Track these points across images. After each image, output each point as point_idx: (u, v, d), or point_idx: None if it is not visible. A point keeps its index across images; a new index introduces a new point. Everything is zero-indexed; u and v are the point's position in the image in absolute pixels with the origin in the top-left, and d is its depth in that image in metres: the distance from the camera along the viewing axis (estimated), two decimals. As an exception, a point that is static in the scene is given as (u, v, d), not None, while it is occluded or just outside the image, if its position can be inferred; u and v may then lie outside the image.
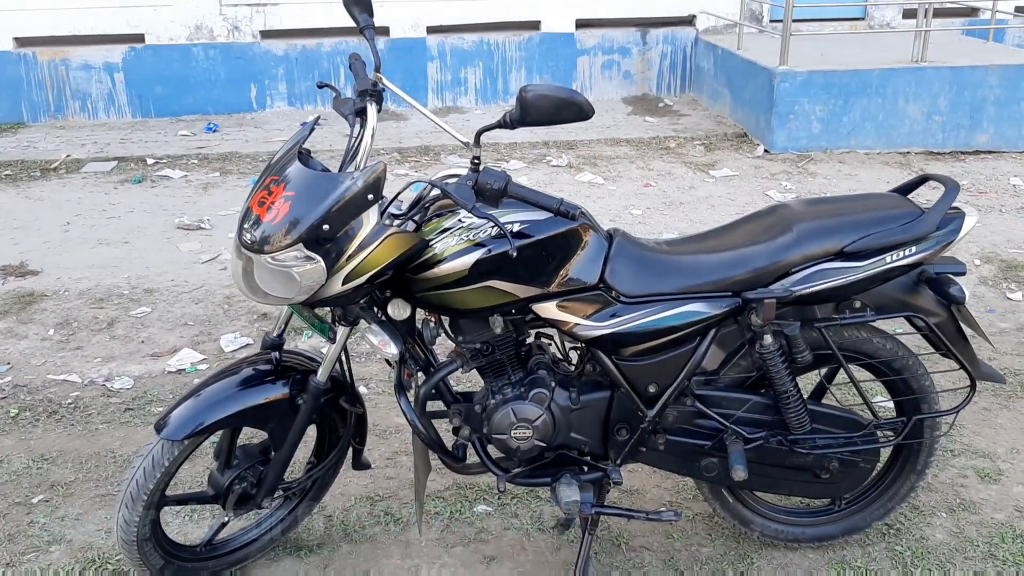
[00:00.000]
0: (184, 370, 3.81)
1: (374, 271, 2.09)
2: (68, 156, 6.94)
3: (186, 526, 2.77)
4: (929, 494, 2.92)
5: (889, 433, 2.51)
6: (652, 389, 2.36)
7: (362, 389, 3.61)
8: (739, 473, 2.32)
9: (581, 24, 8.48)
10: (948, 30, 8.27)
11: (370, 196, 2.05)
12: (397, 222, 2.15)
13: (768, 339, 2.30)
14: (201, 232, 5.43)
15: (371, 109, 2.31)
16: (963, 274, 2.39)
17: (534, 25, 8.42)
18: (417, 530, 2.66)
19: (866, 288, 2.30)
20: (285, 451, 2.39)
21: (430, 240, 2.17)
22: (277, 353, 2.39)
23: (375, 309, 2.27)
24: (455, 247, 2.16)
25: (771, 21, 8.47)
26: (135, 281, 4.72)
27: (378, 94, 2.37)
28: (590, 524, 2.49)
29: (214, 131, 7.69)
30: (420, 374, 2.41)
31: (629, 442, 2.41)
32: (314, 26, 8.04)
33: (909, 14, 8.50)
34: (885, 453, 2.64)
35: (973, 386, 2.44)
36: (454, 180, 2.14)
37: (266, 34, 8.13)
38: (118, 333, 4.17)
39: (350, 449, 2.62)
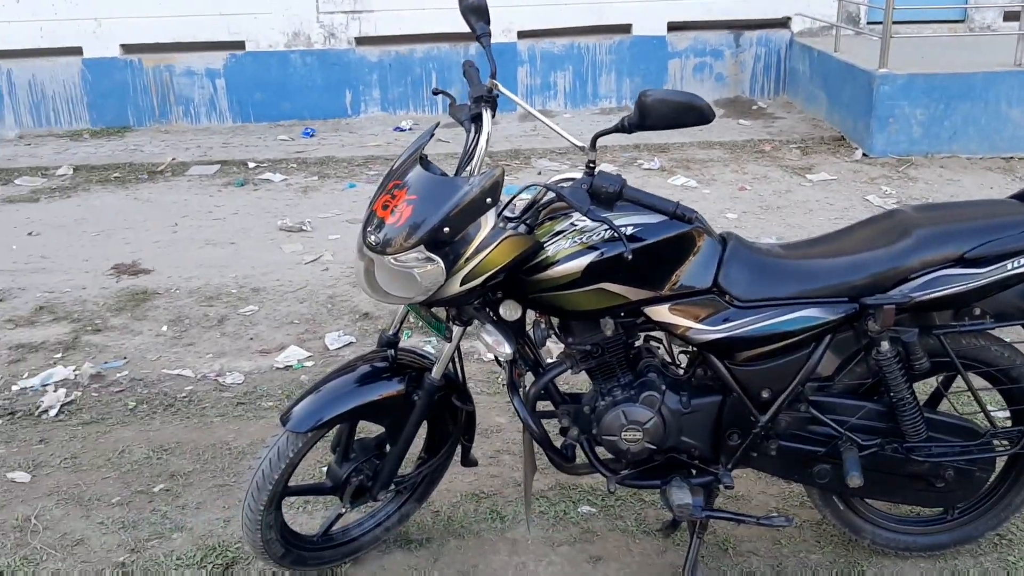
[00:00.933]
0: (291, 366, 3.93)
1: (491, 272, 2.14)
2: (174, 159, 7.21)
3: (299, 517, 2.86)
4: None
5: (1006, 443, 2.45)
6: (765, 394, 2.35)
7: (465, 388, 3.67)
8: (855, 480, 2.30)
9: (673, 27, 8.45)
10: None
11: (488, 200, 2.10)
12: (511, 225, 2.20)
13: (886, 345, 2.28)
14: (303, 234, 5.59)
15: (486, 115, 2.38)
16: (1091, 280, 2.33)
17: (625, 28, 8.43)
18: (526, 528, 2.70)
19: (986, 295, 2.26)
20: (400, 446, 2.45)
21: (544, 242, 2.21)
22: (392, 351, 2.46)
23: (487, 310, 2.33)
24: (568, 249, 2.19)
25: (868, 23, 8.30)
26: (242, 280, 4.89)
27: (493, 100, 2.43)
28: (699, 527, 2.50)
29: (311, 136, 7.89)
30: (529, 374, 2.46)
31: (741, 447, 2.41)
32: (407, 32, 8.19)
33: (1011, 16, 8.24)
34: (1000, 463, 2.59)
35: (1098, 397, 2.37)
36: (568, 184, 2.19)
37: (361, 40, 8.31)
38: (228, 330, 4.33)
39: (459, 446, 2.67)
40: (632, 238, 2.18)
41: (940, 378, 2.54)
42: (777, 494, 2.94)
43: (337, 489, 2.49)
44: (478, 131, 2.39)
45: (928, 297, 2.21)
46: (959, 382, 2.44)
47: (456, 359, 2.50)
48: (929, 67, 6.82)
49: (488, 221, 2.12)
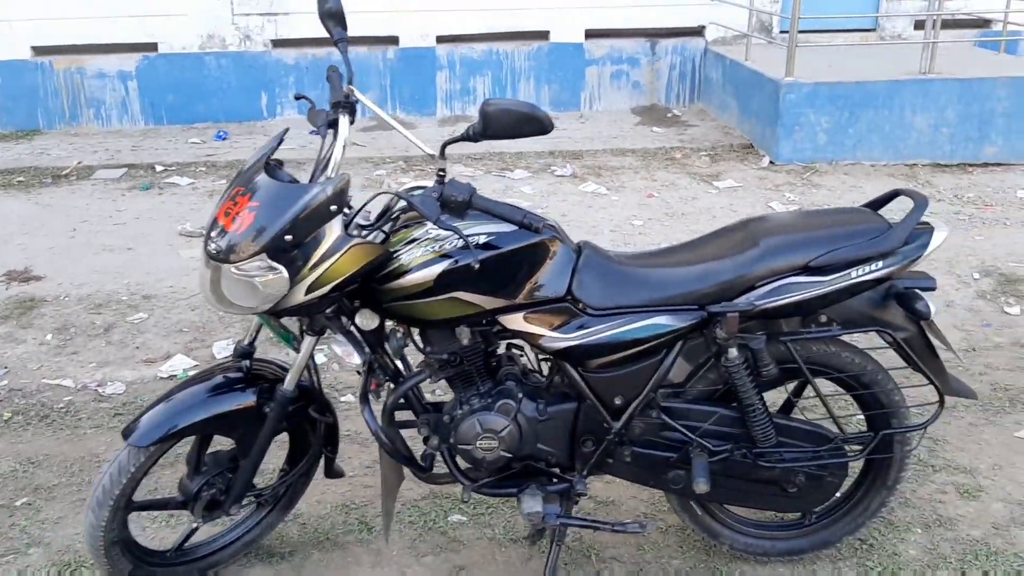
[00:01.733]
0: (176, 376, 3.85)
1: (337, 281, 2.12)
2: (79, 163, 7.04)
3: (162, 531, 2.80)
4: (906, 510, 2.90)
5: (857, 447, 2.50)
6: (618, 401, 2.37)
7: (348, 397, 3.63)
8: (701, 485, 2.32)
9: (590, 34, 8.49)
10: (960, 41, 8.23)
11: (333, 207, 2.08)
12: (364, 232, 2.17)
13: (733, 352, 2.30)
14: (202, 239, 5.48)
15: (343, 121, 2.35)
16: (933, 289, 2.38)
17: (543, 35, 8.45)
18: (384, 540, 2.66)
19: (832, 302, 2.30)
20: (252, 459, 2.41)
21: (396, 251, 2.20)
22: (248, 361, 2.42)
23: (343, 319, 2.30)
24: (421, 258, 2.18)
25: (781, 32, 8.45)
26: (135, 287, 4.78)
27: (351, 106, 2.40)
28: (557, 535, 2.50)
29: (224, 139, 7.77)
30: (391, 384, 2.43)
31: (595, 454, 2.42)
32: (324, 36, 8.08)
33: (921, 25, 8.45)
34: (856, 469, 2.64)
35: (942, 401, 2.42)
36: (420, 192, 2.17)
37: (277, 43, 8.21)
38: (114, 339, 4.23)
39: (322, 458, 2.64)
40: (484, 246, 2.18)
41: (793, 385, 2.58)
42: (647, 499, 2.96)
43: (188, 503, 2.44)
44: (335, 137, 2.36)
45: (772, 305, 2.24)
46: (813, 389, 2.48)
47: (312, 369, 2.46)
48: (835, 76, 6.96)
49: (334, 229, 2.10)
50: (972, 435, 3.35)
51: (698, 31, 8.60)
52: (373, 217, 2.25)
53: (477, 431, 2.34)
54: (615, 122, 8.30)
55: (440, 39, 8.34)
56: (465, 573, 2.66)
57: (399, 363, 2.43)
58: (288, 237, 2.05)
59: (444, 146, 2.14)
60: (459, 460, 2.44)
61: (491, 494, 2.49)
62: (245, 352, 2.43)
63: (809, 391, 2.54)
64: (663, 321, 2.28)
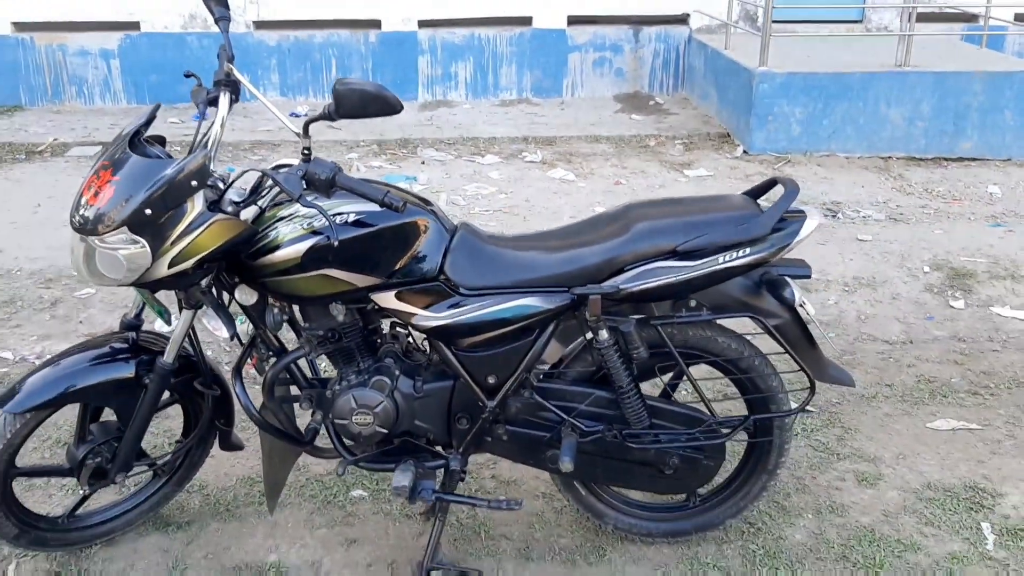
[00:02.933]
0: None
1: (200, 256, 2.15)
2: (55, 140, 7.12)
3: (68, 499, 2.86)
4: (802, 495, 2.93)
5: (727, 431, 2.50)
6: (492, 380, 2.40)
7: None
8: (566, 464, 2.36)
9: (573, 20, 8.49)
10: (944, 35, 8.18)
11: (194, 183, 2.11)
12: (231, 208, 2.21)
13: (604, 334, 2.33)
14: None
15: (223, 99, 2.38)
16: (807, 277, 2.40)
17: (526, 21, 8.45)
18: (269, 511, 2.70)
19: (701, 288, 2.32)
20: (134, 430, 2.46)
21: (265, 227, 2.23)
22: (133, 333, 2.46)
23: (217, 293, 2.34)
24: (290, 234, 2.22)
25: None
26: (87, 263, 4.83)
27: (232, 84, 2.43)
28: (439, 511, 2.55)
29: (202, 119, 7.79)
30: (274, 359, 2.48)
31: (471, 432, 2.45)
32: (306, 18, 8.15)
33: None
34: (739, 453, 2.66)
35: (812, 388, 2.44)
36: (286, 170, 2.21)
37: (259, 24, 8.25)
38: (59, 312, 4.29)
39: (218, 430, 2.69)
40: (357, 224, 2.22)
41: (675, 369, 2.60)
42: (547, 479, 2.99)
43: (74, 471, 2.49)
44: (216, 116, 2.39)
45: (638, 288, 2.26)
46: (713, 374, 2.50)
47: (194, 342, 2.51)
48: (810, 66, 6.93)
49: (195, 204, 2.14)
50: (885, 425, 3.36)
51: (682, 19, 8.58)
52: (248, 194, 2.29)
53: (352, 406, 2.38)
54: (595, 109, 8.29)
55: (422, 23, 8.36)
56: (356, 546, 2.70)
57: (276, 338, 2.46)
58: (148, 211, 2.09)
59: (307, 125, 2.18)
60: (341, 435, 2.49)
61: (370, 468, 2.53)
62: (131, 324, 2.47)
63: (708, 375, 2.55)
64: (532, 302, 2.31)
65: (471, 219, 5.51)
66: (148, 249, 2.12)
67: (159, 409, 2.59)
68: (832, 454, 3.16)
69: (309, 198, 2.18)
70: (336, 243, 2.15)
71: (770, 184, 2.44)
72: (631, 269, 2.28)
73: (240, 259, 2.27)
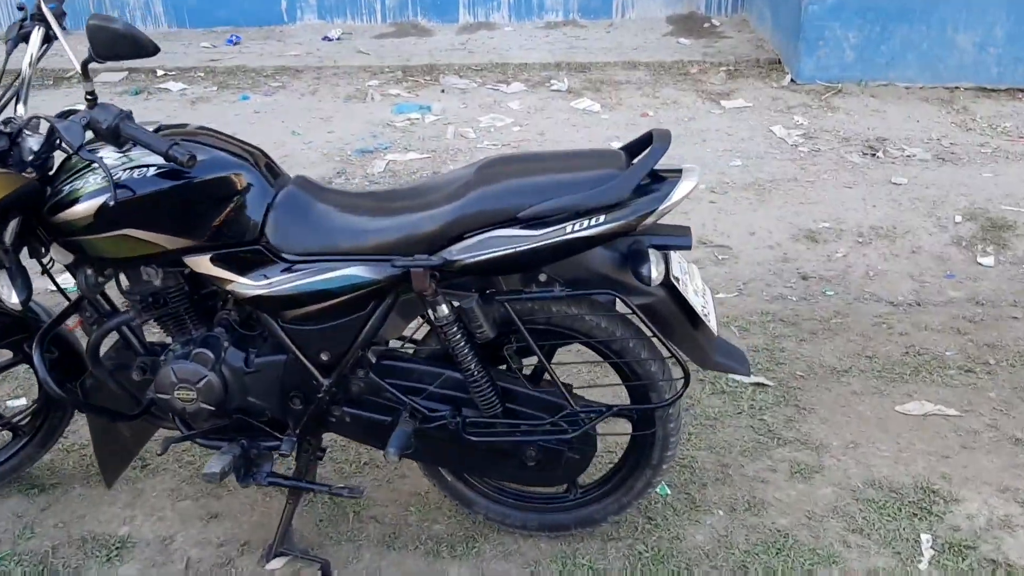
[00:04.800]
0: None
1: (-25, 214, 1.95)
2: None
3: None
4: (720, 487, 2.59)
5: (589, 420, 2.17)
6: (325, 357, 2.14)
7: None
8: (391, 454, 2.09)
9: (625, -66, 7.90)
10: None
11: (-44, 131, 1.89)
12: (31, 158, 2.00)
13: (442, 310, 2.04)
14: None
15: (35, 35, 2.14)
16: (686, 248, 2.03)
17: (574, -65, 7.91)
18: (106, 485, 2.54)
19: (551, 260, 1.98)
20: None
21: (64, 180, 2.01)
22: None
23: (13, 252, 2.13)
24: (85, 189, 1.99)
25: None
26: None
27: (44, 19, 2.18)
28: (290, 494, 2.34)
29: (235, 43, 7.65)
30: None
31: (305, 412, 2.21)
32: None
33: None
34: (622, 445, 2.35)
35: (686, 378, 2.09)
36: (70, 118, 1.97)
37: (297, -56, 7.98)
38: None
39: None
40: (166, 175, 1.97)
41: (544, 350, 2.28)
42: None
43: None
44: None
45: (471, 260, 1.95)
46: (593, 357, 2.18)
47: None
48: (870, -15, 6.24)
49: (-41, 155, 1.92)
50: (848, 405, 2.96)
51: (745, -68, 7.88)
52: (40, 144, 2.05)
53: (172, 380, 2.16)
54: (643, 31, 7.75)
55: (464, -60, 7.93)
56: (215, 522, 2.52)
57: (105, 300, 2.25)
58: (-94, 162, 1.89)
59: (84, 65, 1.93)
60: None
61: (204, 445, 2.32)
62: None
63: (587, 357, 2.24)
64: (357, 272, 2.02)
65: (475, 154, 5.20)
66: None
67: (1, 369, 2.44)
68: (773, 438, 2.79)
69: (96, 150, 1.95)
70: (112, 203, 1.90)
71: (647, 138, 2.06)
72: (469, 237, 1.96)
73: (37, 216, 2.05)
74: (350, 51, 7.33)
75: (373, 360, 2.16)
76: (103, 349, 2.27)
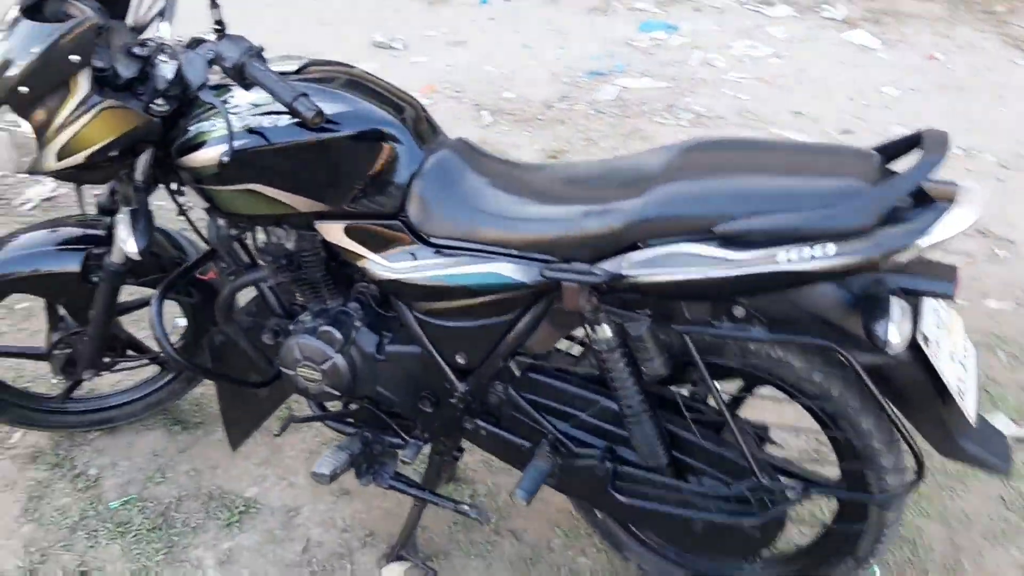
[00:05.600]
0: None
1: (91, 150, 1.70)
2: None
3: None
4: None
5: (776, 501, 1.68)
6: (461, 360, 1.78)
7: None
8: (519, 497, 1.71)
9: None
10: None
11: (73, 58, 1.63)
12: (164, 88, 1.73)
13: (604, 332, 1.61)
14: (390, 52, 5.21)
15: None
16: (947, 296, 1.47)
17: None
18: (231, 446, 2.30)
19: (753, 291, 1.49)
20: (92, 328, 2.15)
21: (191, 118, 1.73)
22: (110, 219, 2.11)
23: (143, 195, 1.90)
24: (212, 133, 1.70)
25: None
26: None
27: None
28: (415, 501, 2.04)
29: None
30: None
31: (435, 418, 1.87)
32: None
33: None
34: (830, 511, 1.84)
35: (920, 469, 1.55)
36: (199, 48, 1.67)
37: None
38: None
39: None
40: (292, 130, 1.65)
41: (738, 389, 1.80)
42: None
43: (47, 358, 2.27)
44: None
45: (644, 280, 1.49)
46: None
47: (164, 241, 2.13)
48: None
49: (78, 86, 1.67)
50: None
51: None
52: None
53: (296, 356, 1.88)
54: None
55: None
56: (344, 501, 2.29)
57: (245, 252, 1.99)
58: (23, 89, 1.66)
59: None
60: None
61: (335, 429, 2.06)
62: (108, 209, 2.12)
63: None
64: (502, 271, 1.62)
65: (720, 88, 4.60)
66: (32, 135, 1.70)
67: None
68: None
69: (226, 89, 1.67)
70: (226, 158, 1.60)
71: (914, 140, 1.48)
72: (647, 248, 1.50)
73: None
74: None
75: (516, 372, 1.77)
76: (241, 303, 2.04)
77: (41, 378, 2.57)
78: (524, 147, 4.05)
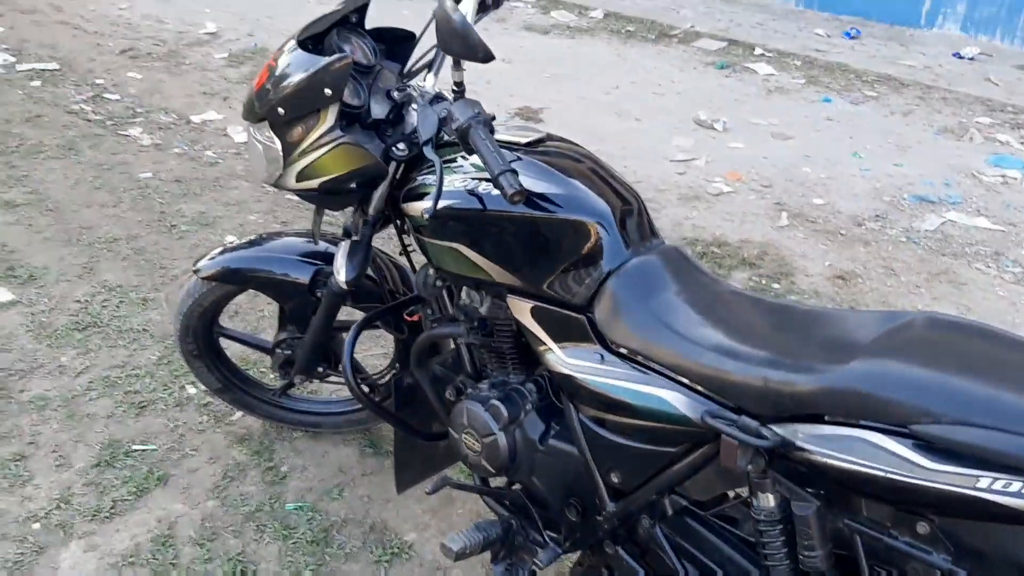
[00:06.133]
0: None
1: (323, 179, 1.81)
2: (691, 27, 6.99)
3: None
4: None
5: None
6: (615, 479, 1.65)
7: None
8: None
9: None
10: None
11: (327, 92, 1.72)
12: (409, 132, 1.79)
13: (766, 500, 1.41)
14: (709, 132, 5.10)
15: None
16: None
17: None
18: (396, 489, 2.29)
19: (944, 512, 1.24)
20: (309, 338, 2.25)
21: (422, 169, 1.78)
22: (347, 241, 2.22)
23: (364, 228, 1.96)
24: (432, 186, 1.73)
25: None
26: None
27: None
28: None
29: (851, 38, 6.96)
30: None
31: (576, 528, 1.74)
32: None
33: None
34: None
35: None
36: (441, 103, 1.71)
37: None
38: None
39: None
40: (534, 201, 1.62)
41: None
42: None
43: (270, 353, 2.41)
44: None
45: (817, 459, 1.29)
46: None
47: (389, 276, 2.19)
48: None
49: (326, 118, 1.75)
50: None
51: None
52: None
53: (463, 421, 1.84)
54: None
55: None
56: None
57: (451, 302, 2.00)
58: (281, 111, 1.78)
59: (456, 61, 1.62)
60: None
61: (488, 506, 1.99)
62: (346, 233, 2.22)
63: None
64: (670, 399, 1.48)
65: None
66: (280, 151, 1.83)
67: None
68: None
69: (453, 149, 1.69)
70: (429, 214, 1.60)
71: None
72: (830, 424, 1.30)
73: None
74: (976, 76, 6.21)
75: (668, 511, 1.61)
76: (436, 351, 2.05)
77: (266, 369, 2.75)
78: (813, 260, 3.77)
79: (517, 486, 1.92)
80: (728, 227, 4.01)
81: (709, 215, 4.12)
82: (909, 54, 6.65)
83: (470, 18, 1.83)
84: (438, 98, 1.76)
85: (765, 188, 4.44)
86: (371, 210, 1.91)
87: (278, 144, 1.82)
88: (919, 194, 4.49)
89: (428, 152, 1.64)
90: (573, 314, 1.62)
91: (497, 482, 2.01)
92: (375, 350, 2.92)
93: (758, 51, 6.54)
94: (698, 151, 4.83)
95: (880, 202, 4.38)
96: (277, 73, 1.79)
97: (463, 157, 1.72)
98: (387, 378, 2.36)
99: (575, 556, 1.88)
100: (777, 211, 4.20)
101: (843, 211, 4.24)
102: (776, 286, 3.55)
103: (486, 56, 1.47)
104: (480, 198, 1.65)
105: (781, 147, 4.93)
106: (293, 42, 1.81)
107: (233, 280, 2.25)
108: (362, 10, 1.88)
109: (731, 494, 1.59)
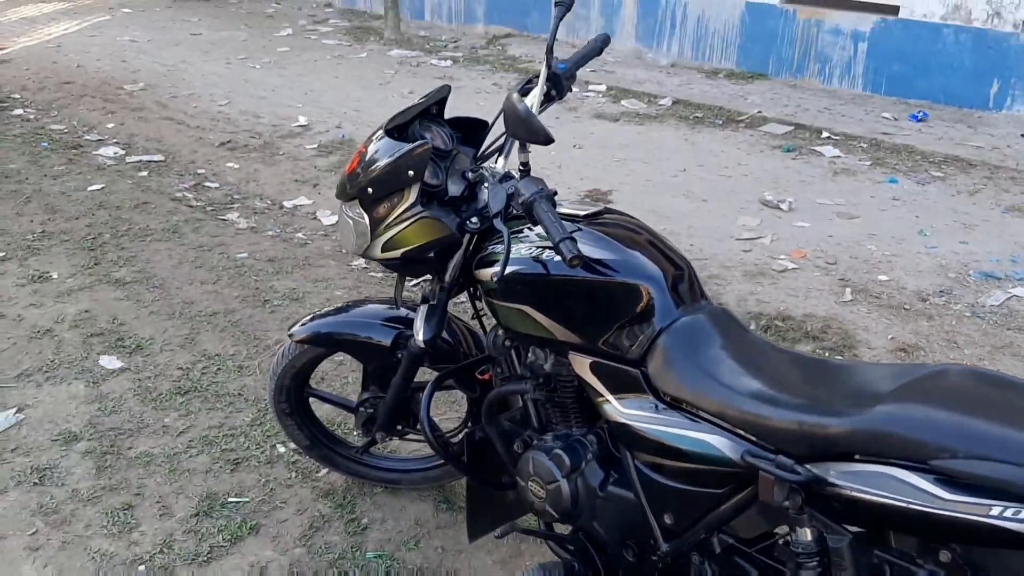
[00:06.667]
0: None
1: (405, 249, 2.04)
2: (759, 112, 7.19)
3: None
4: None
5: None
6: (668, 520, 1.79)
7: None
8: None
9: None
10: None
11: (410, 173, 1.96)
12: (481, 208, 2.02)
13: (804, 535, 1.55)
14: (775, 212, 5.25)
15: (536, 91, 2.11)
16: None
17: None
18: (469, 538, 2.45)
19: (963, 540, 1.36)
20: (390, 398, 2.46)
21: (493, 239, 1.99)
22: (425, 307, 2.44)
23: (442, 292, 2.17)
24: (500, 253, 1.94)
25: None
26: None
27: (556, 79, 2.14)
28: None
29: (918, 120, 7.06)
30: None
31: (634, 569, 1.88)
32: (1093, 23, 6.66)
33: None
34: None
35: None
36: (511, 181, 1.94)
37: (1032, 24, 7.02)
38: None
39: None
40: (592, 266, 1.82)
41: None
42: None
43: (354, 412, 2.62)
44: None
45: (847, 493, 1.44)
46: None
47: (464, 339, 2.39)
48: None
49: (409, 195, 2.00)
50: None
51: None
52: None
53: (529, 470, 2.02)
54: None
55: None
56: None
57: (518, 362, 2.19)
58: (370, 190, 2.02)
59: (522, 144, 1.85)
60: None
61: (552, 551, 2.14)
62: (425, 299, 2.44)
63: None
64: (714, 442, 1.64)
65: None
66: (367, 226, 2.07)
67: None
68: None
69: (521, 222, 1.90)
70: (496, 278, 1.81)
71: None
72: (860, 462, 1.44)
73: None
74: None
75: (716, 549, 1.75)
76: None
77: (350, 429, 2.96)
78: (876, 333, 3.86)
79: (579, 531, 2.07)
80: (792, 302, 4.13)
81: (773, 291, 4.25)
82: (977, 135, 6.72)
83: (535, 109, 2.07)
84: (507, 177, 1.98)
85: (830, 265, 4.55)
86: (447, 277, 2.12)
87: (366, 219, 2.06)
88: (985, 270, 4.55)
89: (498, 224, 1.85)
90: (629, 368, 1.80)
91: (560, 529, 2.16)
92: (450, 414, 3.11)
93: (824, 134, 6.70)
94: (763, 230, 4.98)
95: (945, 278, 4.45)
96: (367, 158, 2.04)
97: (529, 228, 1.93)
98: (460, 436, 2.55)
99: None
100: (841, 287, 4.31)
101: (907, 287, 4.33)
102: (839, 358, 3.64)
103: (547, 139, 1.69)
104: (544, 264, 1.86)
105: (846, 226, 5.05)
106: (382, 131, 2.07)
107: (323, 343, 2.48)
108: (442, 102, 2.14)
109: (775, 532, 1.73)
